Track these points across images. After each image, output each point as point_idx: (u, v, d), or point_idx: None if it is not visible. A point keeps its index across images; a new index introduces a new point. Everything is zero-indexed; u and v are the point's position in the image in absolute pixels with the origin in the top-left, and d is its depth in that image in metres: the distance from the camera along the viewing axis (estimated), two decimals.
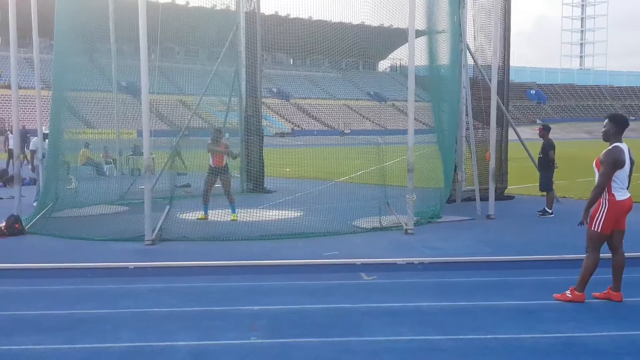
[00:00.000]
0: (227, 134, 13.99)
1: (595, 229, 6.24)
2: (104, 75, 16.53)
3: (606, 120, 6.31)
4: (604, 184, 6.15)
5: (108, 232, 10.50)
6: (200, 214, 12.14)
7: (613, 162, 6.11)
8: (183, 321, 5.86)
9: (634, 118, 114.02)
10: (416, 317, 5.96)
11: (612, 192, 6.17)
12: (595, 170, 6.30)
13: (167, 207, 10.66)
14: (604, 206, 6.19)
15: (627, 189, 6.26)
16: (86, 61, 13.72)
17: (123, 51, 15.59)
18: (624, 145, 6.20)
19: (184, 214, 12.01)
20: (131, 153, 20.66)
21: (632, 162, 6.25)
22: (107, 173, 19.70)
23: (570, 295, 6.38)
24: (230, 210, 12.25)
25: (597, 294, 6.49)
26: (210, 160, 12.30)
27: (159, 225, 9.99)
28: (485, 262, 8.54)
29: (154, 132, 11.57)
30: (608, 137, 6.27)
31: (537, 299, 6.56)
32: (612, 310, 6.16)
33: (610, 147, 6.21)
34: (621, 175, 6.16)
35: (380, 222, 11.24)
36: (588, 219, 6.27)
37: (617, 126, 6.24)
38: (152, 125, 11.14)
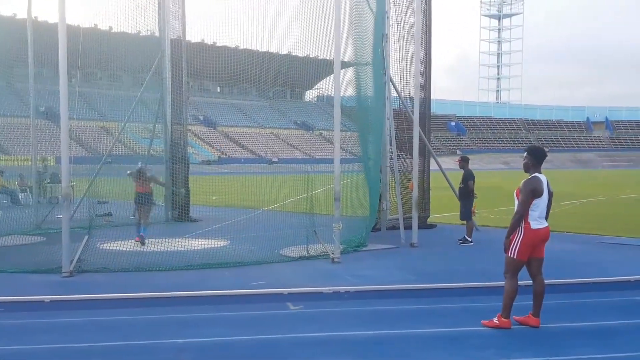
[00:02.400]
0: (149, 165, 13.82)
1: (511, 255, 6.50)
2: (21, 100, 15.89)
3: (525, 153, 6.61)
4: (523, 212, 6.38)
5: (23, 264, 9.99)
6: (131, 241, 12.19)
7: (531, 191, 6.36)
8: (103, 357, 5.62)
9: (547, 149, 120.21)
10: (343, 347, 5.98)
11: (529, 221, 6.40)
12: (515, 199, 6.54)
13: (86, 236, 10.28)
14: (519, 233, 6.44)
15: (545, 219, 6.51)
16: (2, 85, 13.17)
17: (42, 75, 15.08)
18: (542, 176, 6.47)
19: (105, 244, 11.61)
20: (49, 181, 19.83)
21: (550, 194, 6.52)
22: (23, 201, 18.80)
23: (497, 322, 6.55)
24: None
25: (517, 317, 6.70)
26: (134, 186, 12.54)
27: (77, 256, 9.60)
28: (410, 290, 8.70)
29: (73, 159, 11.19)
30: (528, 168, 6.56)
31: (460, 326, 6.73)
32: (532, 337, 6.40)
33: (529, 177, 6.48)
34: (539, 204, 6.40)
35: (307, 251, 11.26)
36: (510, 248, 6.52)
37: (535, 158, 6.53)
38: (72, 152, 10.79)
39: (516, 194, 6.56)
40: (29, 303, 7.79)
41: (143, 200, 12.54)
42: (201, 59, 17.66)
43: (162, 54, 15.91)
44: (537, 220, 6.42)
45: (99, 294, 8.16)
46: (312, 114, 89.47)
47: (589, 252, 12.07)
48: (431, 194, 16.32)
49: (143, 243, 12.16)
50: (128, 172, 12.79)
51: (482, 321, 6.69)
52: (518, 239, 6.45)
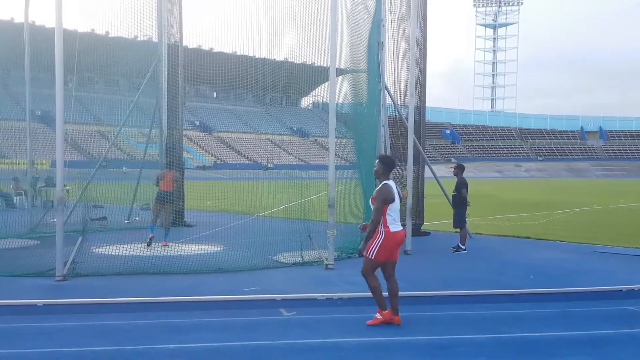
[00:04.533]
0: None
1: (370, 257, 6.90)
2: (17, 103, 15.90)
3: (377, 161, 7.10)
4: (378, 218, 6.84)
5: (16, 267, 9.96)
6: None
7: (384, 199, 6.84)
8: None
9: (541, 159, 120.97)
10: (336, 353, 6.00)
11: (387, 225, 6.86)
12: (371, 205, 6.97)
13: (80, 238, 10.27)
14: (380, 237, 6.87)
15: (399, 222, 6.99)
16: None
17: (38, 79, 15.08)
18: (392, 183, 7.00)
19: (99, 248, 11.60)
20: (44, 184, 19.80)
21: (400, 198, 7.04)
22: (17, 205, 18.76)
23: (380, 317, 6.99)
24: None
25: (370, 321, 7.04)
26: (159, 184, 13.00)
27: (70, 259, 9.59)
28: (402, 297, 8.69)
29: (68, 163, 11.19)
30: (378, 175, 7.06)
31: (451, 334, 6.76)
32: (523, 346, 6.43)
33: (380, 186, 6.96)
34: (393, 209, 6.89)
35: (302, 257, 11.28)
36: (369, 250, 6.90)
37: (386, 166, 7.05)
38: (67, 156, 10.79)
39: (371, 201, 6.98)
40: (21, 307, 7.78)
41: (166, 198, 12.78)
42: (198, 65, 17.69)
43: (159, 59, 15.94)
44: (394, 224, 6.90)
45: (92, 298, 8.16)
46: (308, 120, 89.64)
47: (581, 261, 12.13)
48: (425, 202, 16.37)
49: (149, 245, 12.26)
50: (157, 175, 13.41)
51: (367, 322, 7.02)
52: (378, 242, 6.87)
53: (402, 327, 7.03)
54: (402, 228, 7.02)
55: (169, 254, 11.70)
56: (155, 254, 11.75)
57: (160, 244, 12.65)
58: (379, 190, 6.89)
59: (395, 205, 6.92)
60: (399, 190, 7.05)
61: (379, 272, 7.08)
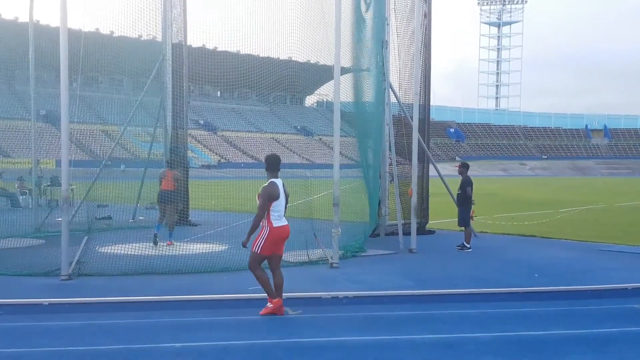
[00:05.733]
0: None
1: (256, 251, 7.25)
2: (21, 103, 15.93)
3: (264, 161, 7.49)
4: (262, 214, 7.21)
5: (21, 267, 10.00)
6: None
7: (268, 196, 7.21)
8: None
9: (546, 157, 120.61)
10: (341, 352, 6.00)
11: (271, 220, 7.22)
12: (257, 201, 7.30)
13: (85, 238, 10.30)
14: (265, 232, 7.23)
15: (284, 218, 7.34)
16: (3, 88, 13.21)
17: (43, 79, 15.12)
18: (278, 181, 7.39)
19: (104, 248, 11.62)
20: (49, 184, 19.85)
21: (286, 195, 7.41)
22: (23, 204, 18.81)
23: (271, 306, 7.29)
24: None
25: (262, 311, 7.32)
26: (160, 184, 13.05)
27: (76, 258, 9.61)
28: (408, 295, 8.72)
29: (73, 162, 11.22)
30: (267, 174, 7.45)
31: (457, 332, 6.74)
32: (529, 344, 6.42)
33: (266, 183, 7.32)
34: (278, 206, 7.25)
35: (308, 256, 11.28)
36: (250, 243, 7.24)
37: (270, 164, 7.44)
38: (72, 155, 10.82)
39: (257, 197, 7.31)
40: (27, 306, 7.81)
41: (167, 197, 12.79)
42: (202, 64, 17.72)
43: (163, 58, 15.96)
44: (278, 220, 7.26)
45: (97, 297, 8.18)
46: (312, 119, 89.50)
47: (587, 259, 12.10)
48: (430, 200, 16.35)
49: (156, 243, 12.31)
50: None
51: (260, 312, 7.30)
52: (263, 236, 7.23)
53: (409, 325, 7.03)
54: (286, 223, 7.37)
55: (174, 253, 11.72)
56: (160, 253, 11.77)
57: (165, 244, 12.68)
58: (265, 188, 7.28)
59: (280, 202, 7.29)
60: (286, 188, 7.43)
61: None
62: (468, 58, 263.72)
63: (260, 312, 7.30)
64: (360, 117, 14.13)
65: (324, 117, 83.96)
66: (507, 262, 11.71)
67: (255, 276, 7.30)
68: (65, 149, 9.65)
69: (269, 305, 7.31)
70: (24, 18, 15.17)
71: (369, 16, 13.70)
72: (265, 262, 7.46)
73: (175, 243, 12.71)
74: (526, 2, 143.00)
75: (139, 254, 11.55)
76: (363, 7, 13.55)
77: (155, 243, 12.35)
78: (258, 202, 7.27)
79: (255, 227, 7.24)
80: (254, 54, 15.54)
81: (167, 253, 11.72)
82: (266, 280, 7.29)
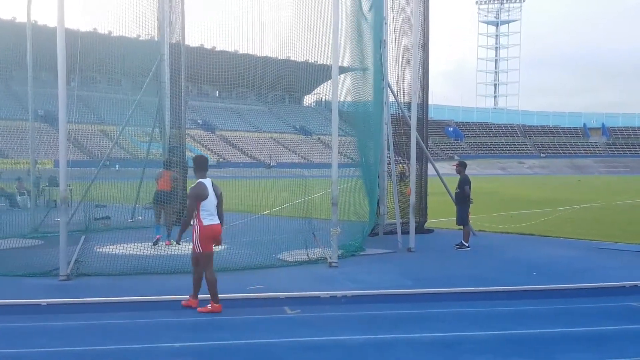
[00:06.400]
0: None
1: (198, 251, 7.47)
2: (19, 103, 15.91)
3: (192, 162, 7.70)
4: (190, 214, 7.48)
5: (20, 267, 9.99)
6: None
7: (195, 196, 7.44)
8: None
9: (544, 155, 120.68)
10: (339, 351, 6.01)
11: (201, 219, 7.44)
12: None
13: (82, 237, 10.29)
14: (196, 230, 7.45)
15: (218, 217, 7.60)
16: (1, 88, 13.20)
17: (41, 79, 15.09)
18: (207, 181, 7.60)
19: (103, 248, 11.62)
20: (47, 184, 19.82)
21: (218, 195, 7.62)
22: (21, 205, 18.78)
23: (210, 307, 7.46)
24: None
25: (200, 308, 7.52)
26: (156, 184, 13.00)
27: (74, 258, 9.60)
28: (407, 294, 8.73)
29: (71, 162, 11.21)
30: (194, 174, 7.64)
31: (455, 331, 6.76)
32: (527, 342, 6.44)
33: (195, 184, 7.54)
34: (207, 205, 7.47)
35: (307, 255, 11.29)
36: (194, 245, 7.44)
37: (197, 165, 7.66)
38: (70, 155, 10.81)
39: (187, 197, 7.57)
40: (26, 306, 7.80)
41: (164, 198, 12.81)
42: (200, 64, 17.69)
43: (161, 58, 15.93)
44: (207, 218, 7.47)
45: (96, 297, 8.18)
46: (311, 118, 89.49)
47: (585, 257, 12.11)
48: (428, 199, 16.36)
49: (155, 244, 12.32)
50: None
51: (198, 309, 7.52)
52: (196, 236, 7.44)
53: (408, 324, 7.03)
54: (217, 222, 7.59)
55: (172, 253, 11.70)
56: (158, 253, 11.77)
57: (164, 244, 12.68)
58: (192, 189, 7.53)
59: (210, 201, 7.50)
60: (216, 187, 7.65)
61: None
62: (466, 57, 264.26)
63: (199, 309, 7.53)
64: (359, 116, 14.13)
65: (322, 117, 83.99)
66: (505, 260, 11.73)
67: (205, 276, 7.53)
68: (63, 149, 9.63)
69: (209, 307, 7.49)
70: (21, 18, 15.19)
71: (370, 16, 13.70)
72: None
73: (174, 243, 12.70)
74: (524, 0, 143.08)
75: (138, 254, 11.54)
76: (365, 6, 13.56)
77: (155, 244, 12.37)
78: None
79: (185, 226, 7.58)
80: (252, 53, 15.53)
81: (165, 253, 11.71)
82: (214, 283, 7.52)
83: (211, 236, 7.52)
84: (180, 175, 14.66)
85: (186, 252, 11.92)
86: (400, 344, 6.28)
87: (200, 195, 7.46)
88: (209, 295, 7.52)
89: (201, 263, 7.55)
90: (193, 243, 7.49)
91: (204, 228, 7.44)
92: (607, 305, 8.13)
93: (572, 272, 10.38)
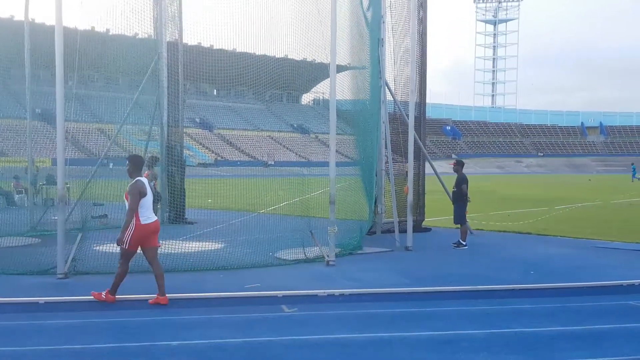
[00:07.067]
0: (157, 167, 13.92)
1: (125, 246, 7.65)
2: (17, 101, 15.89)
3: (127, 162, 7.87)
4: (135, 210, 7.59)
5: (17, 265, 9.99)
6: None
7: (138, 193, 7.59)
8: (97, 359, 5.64)
9: (542, 154, 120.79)
10: (336, 349, 6.01)
11: (139, 217, 7.61)
12: (125, 200, 7.74)
13: (79, 235, 10.29)
14: (131, 228, 7.58)
15: (152, 213, 7.79)
16: None
17: (39, 77, 15.07)
18: (144, 179, 7.81)
19: (100, 246, 11.60)
20: (44, 182, 19.80)
21: (153, 193, 7.82)
22: (18, 203, 18.76)
23: (104, 297, 7.77)
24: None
25: (151, 301, 7.76)
26: None
27: (71, 256, 9.60)
28: (404, 293, 8.74)
29: (69, 161, 11.19)
30: (131, 174, 7.78)
31: (452, 329, 6.77)
32: (525, 340, 6.45)
33: (133, 182, 7.68)
34: (146, 202, 7.68)
35: (305, 253, 11.30)
36: (124, 240, 7.60)
37: (134, 165, 7.83)
38: (68, 154, 10.79)
39: (125, 197, 7.75)
40: (23, 305, 7.81)
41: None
42: (198, 62, 17.67)
43: (159, 56, 15.93)
44: (145, 216, 7.67)
45: None
46: (309, 117, 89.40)
47: (582, 256, 12.14)
48: (426, 198, 16.38)
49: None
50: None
51: (92, 292, 7.86)
52: (130, 232, 7.58)
53: (405, 322, 7.05)
54: (155, 219, 7.82)
55: (170, 251, 11.69)
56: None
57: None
58: (133, 186, 7.64)
59: (148, 199, 7.71)
60: (151, 185, 7.76)
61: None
62: (464, 56, 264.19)
63: (92, 293, 7.84)
64: (358, 115, 14.13)
65: (320, 115, 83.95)
66: (503, 259, 11.74)
67: (119, 268, 7.80)
68: (61, 147, 9.62)
69: (103, 295, 7.78)
70: (19, 16, 15.15)
71: (369, 14, 13.70)
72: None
73: (172, 241, 12.68)
74: None
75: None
76: (365, 4, 13.55)
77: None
78: (126, 201, 7.68)
79: (128, 223, 7.64)
80: (250, 52, 15.52)
81: (162, 251, 11.69)
82: (122, 276, 7.77)
83: (147, 234, 7.69)
84: (179, 173, 14.65)
85: (183, 250, 11.95)
86: (398, 342, 6.30)
87: (142, 191, 7.65)
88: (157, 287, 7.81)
89: (121, 256, 7.78)
90: (124, 239, 7.61)
91: (140, 227, 7.61)
92: (604, 303, 8.15)
93: (569, 271, 10.40)
